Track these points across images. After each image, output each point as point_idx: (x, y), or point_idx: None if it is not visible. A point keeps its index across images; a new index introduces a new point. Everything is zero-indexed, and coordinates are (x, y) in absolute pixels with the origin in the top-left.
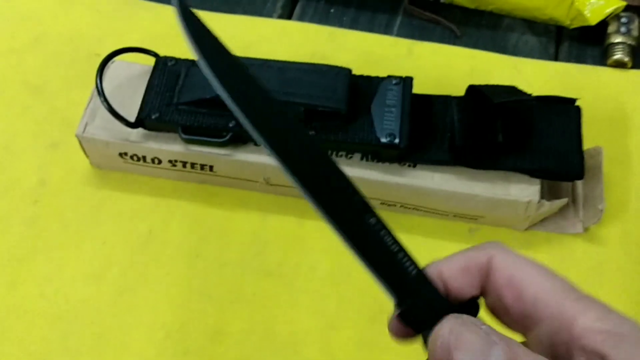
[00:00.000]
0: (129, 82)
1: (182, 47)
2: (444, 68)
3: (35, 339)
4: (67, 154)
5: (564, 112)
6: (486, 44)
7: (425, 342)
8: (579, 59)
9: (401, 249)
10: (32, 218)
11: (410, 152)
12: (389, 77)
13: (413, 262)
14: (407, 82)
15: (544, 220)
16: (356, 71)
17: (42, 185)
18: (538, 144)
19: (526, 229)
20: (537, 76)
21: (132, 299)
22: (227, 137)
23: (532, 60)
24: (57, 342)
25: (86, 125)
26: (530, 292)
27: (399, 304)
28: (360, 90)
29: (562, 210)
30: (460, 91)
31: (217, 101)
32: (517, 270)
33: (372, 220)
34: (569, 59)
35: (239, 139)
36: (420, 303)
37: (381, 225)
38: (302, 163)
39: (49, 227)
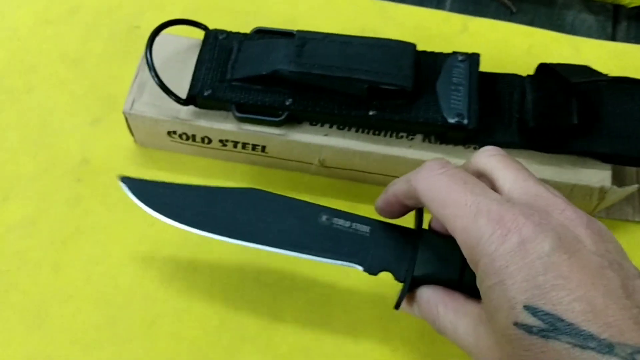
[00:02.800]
0: (177, 57)
1: (227, 19)
2: (500, 45)
3: (82, 325)
4: (110, 131)
5: (636, 93)
6: (542, 22)
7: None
8: (638, 39)
9: (352, 222)
10: (76, 198)
11: (478, 134)
12: (455, 53)
13: (365, 222)
14: (473, 58)
15: (608, 207)
16: None
17: (85, 163)
18: (609, 126)
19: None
20: (596, 56)
21: (183, 283)
22: (283, 117)
23: (590, 40)
24: (105, 329)
25: (133, 101)
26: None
27: (362, 264)
28: (424, 67)
29: (628, 197)
30: (518, 69)
31: (274, 77)
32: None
33: (324, 217)
34: (627, 39)
35: (295, 118)
36: (378, 249)
37: (330, 216)
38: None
39: (93, 208)
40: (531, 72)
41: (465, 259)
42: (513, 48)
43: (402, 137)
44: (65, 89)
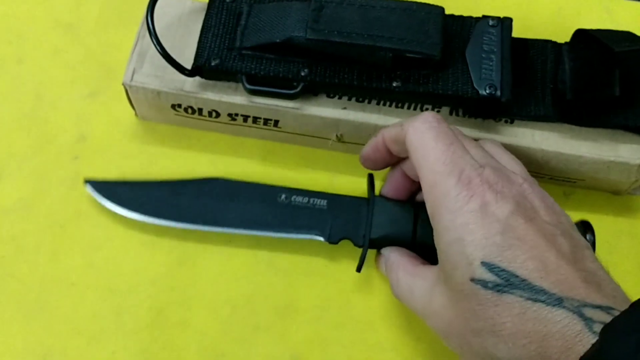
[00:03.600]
0: (180, 22)
1: None
2: (527, 7)
3: (85, 314)
4: (108, 104)
5: None
6: None
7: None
8: None
9: (310, 197)
10: (74, 177)
11: (510, 107)
12: (485, 17)
13: (322, 197)
14: (505, 23)
15: None
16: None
17: (83, 139)
18: None
19: (627, 193)
20: (629, 19)
21: (192, 270)
22: (299, 88)
23: (623, 1)
24: (110, 318)
25: (134, 72)
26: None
27: (322, 235)
28: (452, 33)
29: None
30: (547, 34)
31: (288, 45)
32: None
33: (282, 196)
34: None
35: (311, 90)
36: (336, 220)
37: (289, 195)
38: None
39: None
40: (561, 36)
41: (417, 220)
42: (541, 9)
43: (426, 109)
44: (59, 59)
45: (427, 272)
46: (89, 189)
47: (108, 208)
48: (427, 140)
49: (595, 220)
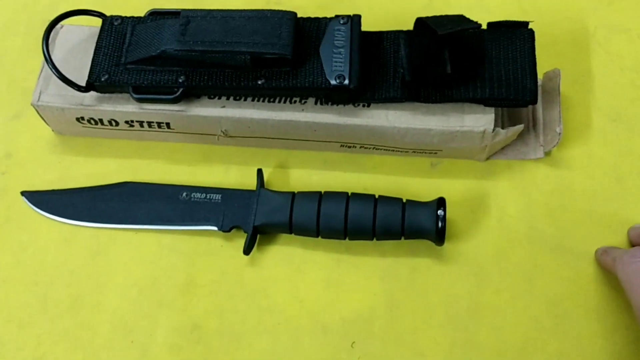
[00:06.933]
0: (80, 46)
1: (132, 4)
2: (400, 1)
3: (16, 304)
4: (30, 123)
5: (516, 36)
6: None
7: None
8: None
9: (207, 193)
10: (2, 190)
11: (362, 92)
12: (336, 16)
13: (217, 192)
14: (354, 20)
15: (504, 148)
16: (311, 14)
17: (8, 157)
18: (490, 71)
19: (487, 159)
20: (499, 3)
21: (104, 259)
22: (179, 93)
23: None
24: (37, 306)
25: (40, 93)
26: None
27: (216, 225)
28: (307, 33)
29: (522, 137)
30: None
31: (163, 57)
32: None
33: (183, 194)
34: None
35: (191, 94)
36: (228, 211)
37: (189, 192)
38: None
39: (19, 197)
40: None
41: (292, 207)
42: (413, 4)
43: (295, 101)
44: None
45: None
46: (25, 200)
47: (39, 213)
48: (634, 275)
49: (459, 185)
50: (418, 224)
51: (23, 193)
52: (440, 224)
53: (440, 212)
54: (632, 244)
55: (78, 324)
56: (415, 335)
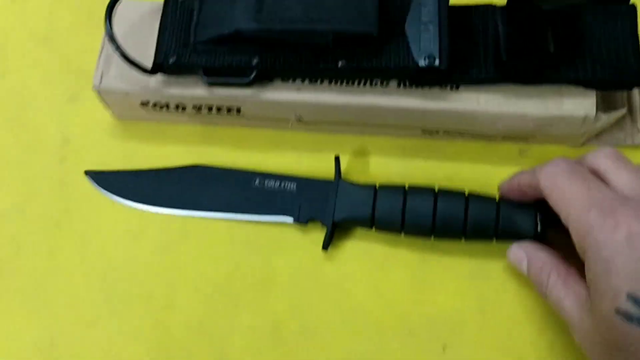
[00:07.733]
0: (141, 23)
1: None
2: None
3: (82, 303)
4: (87, 106)
5: (616, 13)
6: None
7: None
8: None
9: (281, 181)
10: (61, 178)
11: (451, 74)
12: None
13: (292, 180)
14: None
15: (599, 134)
16: None
17: (66, 142)
18: (590, 51)
19: (582, 145)
20: None
21: (174, 255)
22: (252, 76)
23: None
24: (104, 305)
25: (102, 75)
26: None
27: (293, 216)
28: (390, 7)
29: (618, 122)
30: None
31: (237, 36)
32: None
33: (256, 181)
34: None
35: (265, 77)
36: (305, 202)
37: (262, 179)
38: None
39: (80, 187)
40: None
41: (375, 202)
42: None
43: (376, 84)
44: (39, 67)
45: (579, 288)
46: (89, 180)
47: (104, 195)
48: (561, 182)
49: None
50: (514, 228)
51: (87, 172)
52: (539, 228)
53: (539, 215)
54: (504, 198)
55: (149, 323)
56: (510, 339)
